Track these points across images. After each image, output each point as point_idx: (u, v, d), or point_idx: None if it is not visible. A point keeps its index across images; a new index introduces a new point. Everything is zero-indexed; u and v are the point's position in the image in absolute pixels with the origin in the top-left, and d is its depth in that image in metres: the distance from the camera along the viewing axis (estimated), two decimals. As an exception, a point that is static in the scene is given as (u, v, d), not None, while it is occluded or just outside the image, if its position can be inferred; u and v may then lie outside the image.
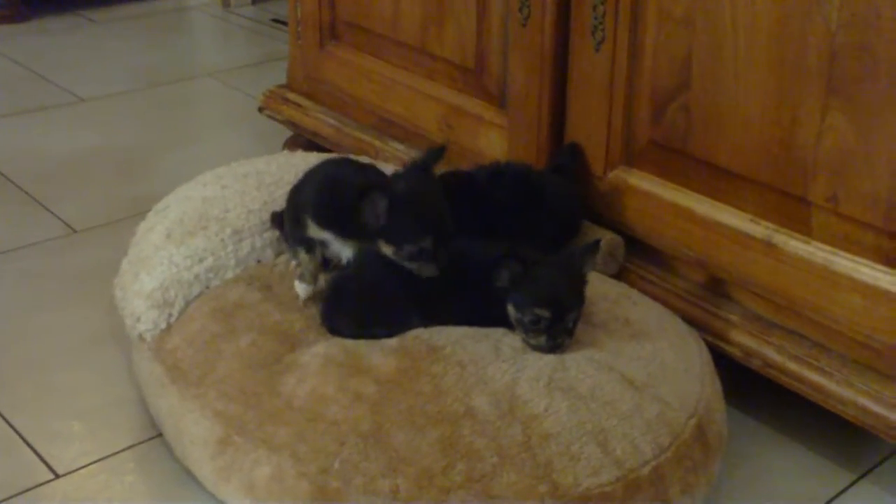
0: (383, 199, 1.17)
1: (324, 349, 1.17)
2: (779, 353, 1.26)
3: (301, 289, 1.29)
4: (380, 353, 1.15)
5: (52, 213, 1.86)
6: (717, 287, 1.34)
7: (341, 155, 1.62)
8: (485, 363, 1.13)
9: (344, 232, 1.25)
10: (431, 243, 1.19)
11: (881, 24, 1.08)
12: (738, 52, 1.22)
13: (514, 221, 1.35)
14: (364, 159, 1.60)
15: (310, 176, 1.34)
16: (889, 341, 1.16)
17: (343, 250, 1.27)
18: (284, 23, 2.87)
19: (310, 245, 1.28)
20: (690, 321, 1.31)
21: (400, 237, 1.19)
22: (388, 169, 1.57)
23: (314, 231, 1.26)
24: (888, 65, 1.09)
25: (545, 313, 1.16)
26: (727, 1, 1.22)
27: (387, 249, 1.20)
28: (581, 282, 1.20)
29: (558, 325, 1.17)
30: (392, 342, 1.18)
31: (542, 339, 1.17)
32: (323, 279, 1.30)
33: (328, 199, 1.25)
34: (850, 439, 1.29)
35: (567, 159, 1.44)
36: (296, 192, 1.34)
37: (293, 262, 1.33)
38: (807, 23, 1.14)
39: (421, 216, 1.20)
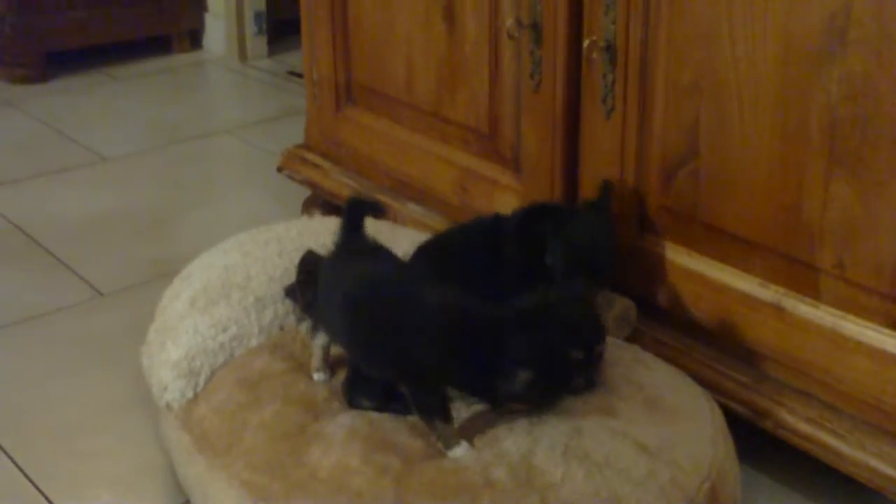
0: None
1: (349, 420, 1.20)
2: (791, 415, 1.28)
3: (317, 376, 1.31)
4: (406, 433, 1.18)
5: (78, 276, 1.90)
6: (728, 349, 1.37)
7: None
8: (500, 440, 1.16)
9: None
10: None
11: (880, 98, 1.12)
12: (743, 119, 1.26)
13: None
14: (385, 223, 1.64)
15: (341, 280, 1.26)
16: (898, 404, 1.19)
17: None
18: (300, 75, 2.92)
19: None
20: (703, 382, 1.33)
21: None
22: (405, 232, 1.62)
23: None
24: (889, 137, 1.12)
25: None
26: (731, 69, 1.25)
27: None
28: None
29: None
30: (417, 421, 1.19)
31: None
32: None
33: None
34: (864, 500, 1.30)
35: (602, 197, 1.40)
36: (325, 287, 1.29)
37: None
38: (808, 94, 1.18)
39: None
